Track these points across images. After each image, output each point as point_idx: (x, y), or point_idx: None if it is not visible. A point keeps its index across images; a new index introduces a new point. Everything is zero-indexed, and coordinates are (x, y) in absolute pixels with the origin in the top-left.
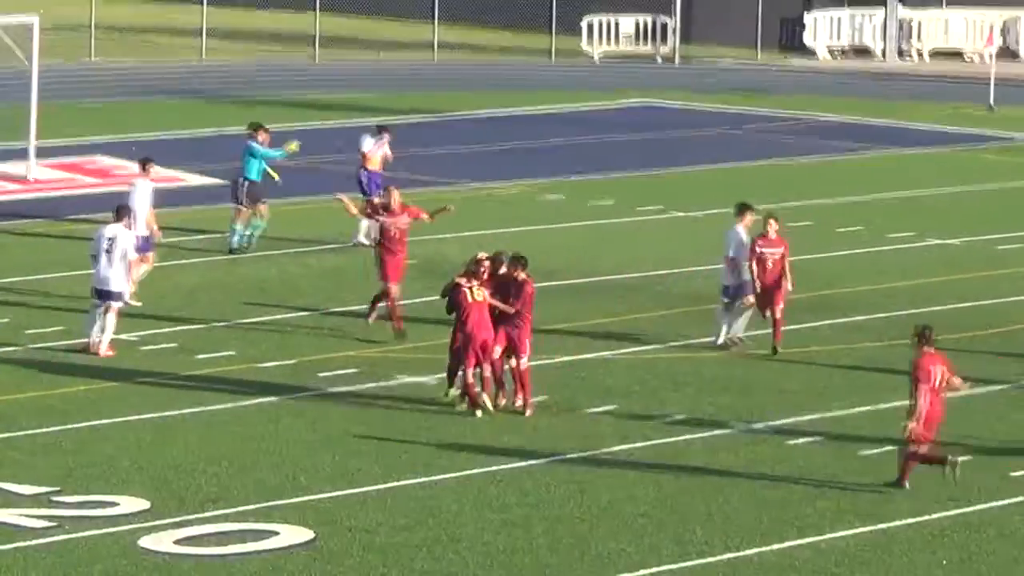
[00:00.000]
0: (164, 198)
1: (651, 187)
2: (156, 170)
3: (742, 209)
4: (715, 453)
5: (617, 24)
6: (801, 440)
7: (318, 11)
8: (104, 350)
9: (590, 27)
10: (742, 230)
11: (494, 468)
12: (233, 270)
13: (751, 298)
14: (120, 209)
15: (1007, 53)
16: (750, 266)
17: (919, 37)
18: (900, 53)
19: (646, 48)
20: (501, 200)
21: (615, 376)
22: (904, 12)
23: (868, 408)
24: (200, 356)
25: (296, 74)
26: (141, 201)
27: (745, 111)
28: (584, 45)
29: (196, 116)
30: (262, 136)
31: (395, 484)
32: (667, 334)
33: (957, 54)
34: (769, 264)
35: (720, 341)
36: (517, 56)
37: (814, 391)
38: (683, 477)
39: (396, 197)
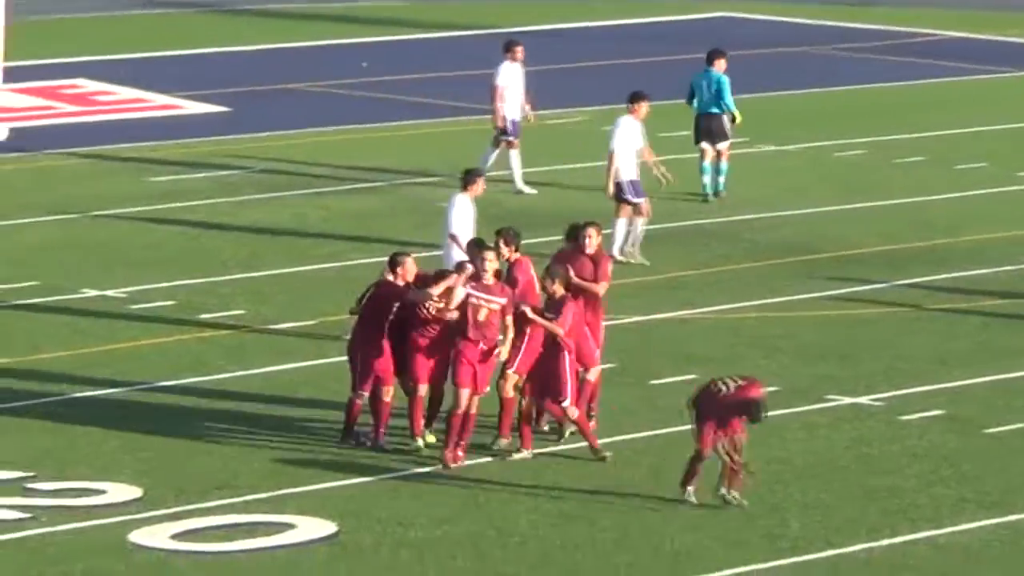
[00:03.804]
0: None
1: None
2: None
3: None
4: (814, 431)
5: None
6: (915, 416)
7: None
8: None
9: None
10: None
11: (548, 449)
12: (241, 213)
13: None
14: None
15: None
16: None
17: None
18: None
19: None
20: (557, 130)
21: (695, 340)
22: None
23: (995, 378)
24: (203, 316)
25: None
26: None
27: (844, 26)
28: None
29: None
30: (723, 64)
31: (432, 470)
32: (756, 290)
33: None
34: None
35: None
36: None
37: (931, 358)
38: (774, 460)
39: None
